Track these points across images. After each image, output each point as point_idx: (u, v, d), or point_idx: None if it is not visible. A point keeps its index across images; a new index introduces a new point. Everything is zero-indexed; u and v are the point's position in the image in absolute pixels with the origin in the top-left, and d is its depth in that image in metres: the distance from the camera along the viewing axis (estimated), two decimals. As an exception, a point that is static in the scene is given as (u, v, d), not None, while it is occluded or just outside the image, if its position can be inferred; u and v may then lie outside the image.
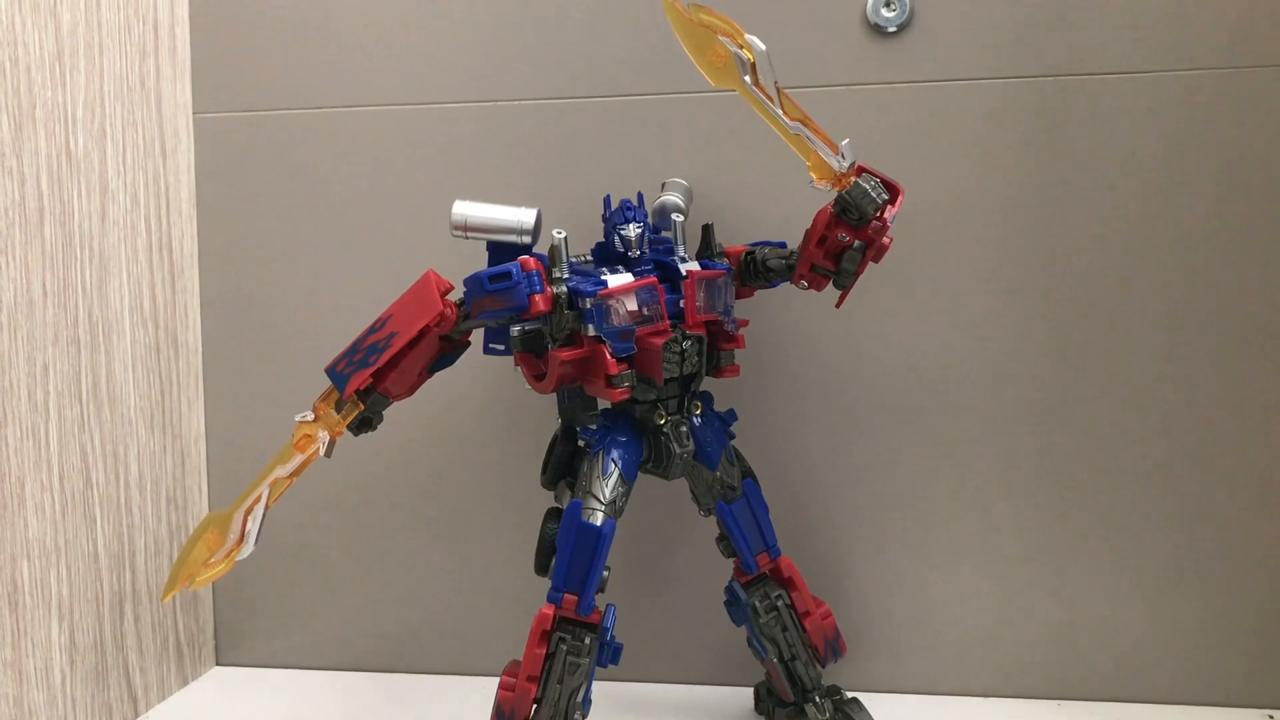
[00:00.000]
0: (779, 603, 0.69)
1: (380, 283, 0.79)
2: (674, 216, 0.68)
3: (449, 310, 0.62)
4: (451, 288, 0.63)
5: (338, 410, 0.64)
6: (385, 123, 0.84)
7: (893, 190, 0.63)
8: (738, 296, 0.69)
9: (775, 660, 0.70)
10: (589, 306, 0.62)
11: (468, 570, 0.86)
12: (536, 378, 0.66)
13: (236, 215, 0.86)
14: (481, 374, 0.81)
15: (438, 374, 0.66)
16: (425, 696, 0.82)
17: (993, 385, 0.78)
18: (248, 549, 0.63)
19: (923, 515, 0.80)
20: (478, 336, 0.67)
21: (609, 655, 0.64)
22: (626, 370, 0.62)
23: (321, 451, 0.63)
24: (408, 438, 0.84)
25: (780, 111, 0.62)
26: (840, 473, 0.81)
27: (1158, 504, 0.78)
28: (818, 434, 0.81)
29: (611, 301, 0.62)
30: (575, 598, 0.62)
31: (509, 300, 0.61)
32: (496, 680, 0.65)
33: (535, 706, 0.63)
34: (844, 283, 0.65)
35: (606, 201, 0.67)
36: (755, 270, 0.68)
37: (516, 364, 0.67)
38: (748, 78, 0.62)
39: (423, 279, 0.63)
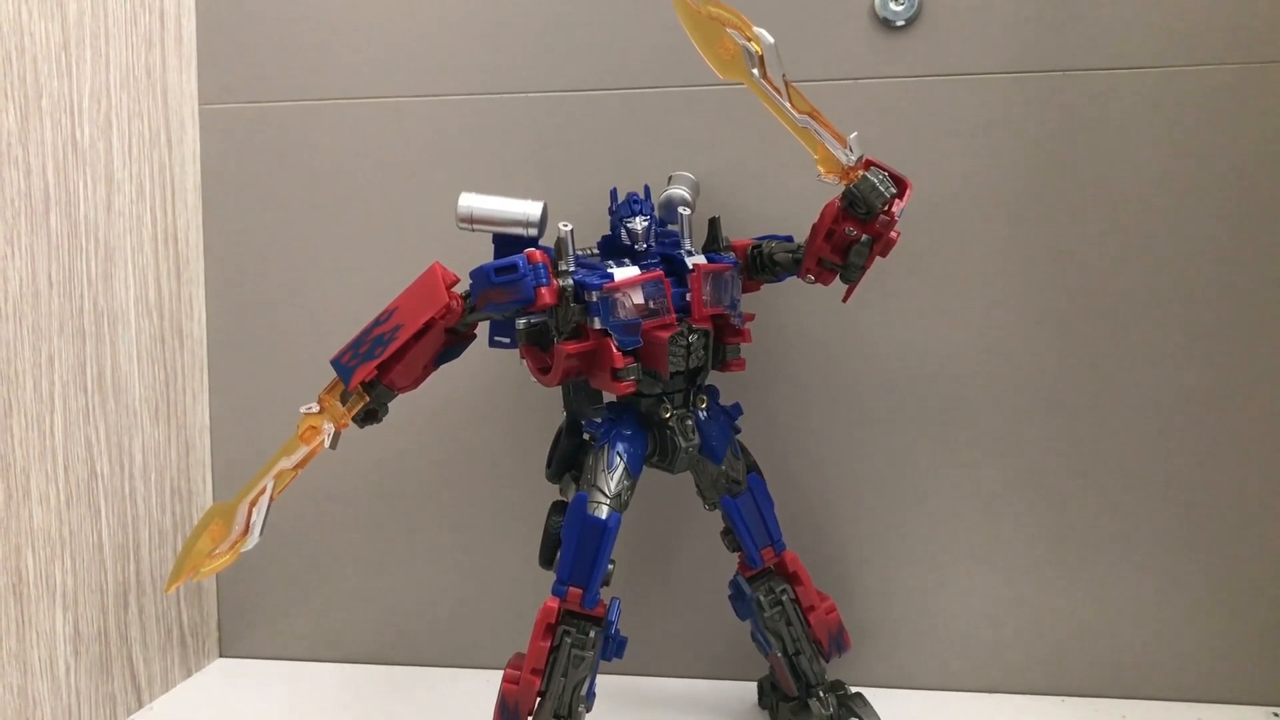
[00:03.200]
0: (783, 597, 0.69)
1: (386, 275, 0.79)
2: (680, 210, 0.68)
3: (455, 303, 0.62)
4: (457, 280, 0.63)
5: (343, 402, 0.64)
6: (391, 115, 0.83)
7: (900, 184, 0.63)
8: (744, 290, 0.69)
9: (779, 655, 0.70)
10: (595, 299, 0.62)
11: (472, 563, 0.86)
12: (542, 371, 0.66)
13: (241, 206, 0.86)
14: (487, 367, 0.81)
15: (443, 366, 0.66)
16: (429, 689, 0.82)
17: (999, 380, 0.78)
18: (252, 540, 0.63)
19: (928, 510, 0.80)
20: (483, 329, 0.67)
21: (613, 649, 0.64)
22: (632, 364, 0.62)
23: (326, 443, 0.63)
24: (413, 430, 0.84)
25: (788, 105, 0.62)
26: (845, 467, 0.80)
27: (1163, 501, 0.77)
28: (823, 428, 0.80)
29: (618, 295, 0.62)
30: (580, 591, 0.62)
31: (515, 293, 0.61)
32: (501, 673, 0.65)
33: (539, 699, 0.63)
34: (851, 277, 0.65)
35: (613, 194, 0.67)
36: (762, 264, 0.68)
37: (522, 357, 0.67)
38: (756, 71, 0.62)
39: (428, 271, 0.62)
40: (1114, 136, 0.76)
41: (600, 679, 0.66)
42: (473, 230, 0.65)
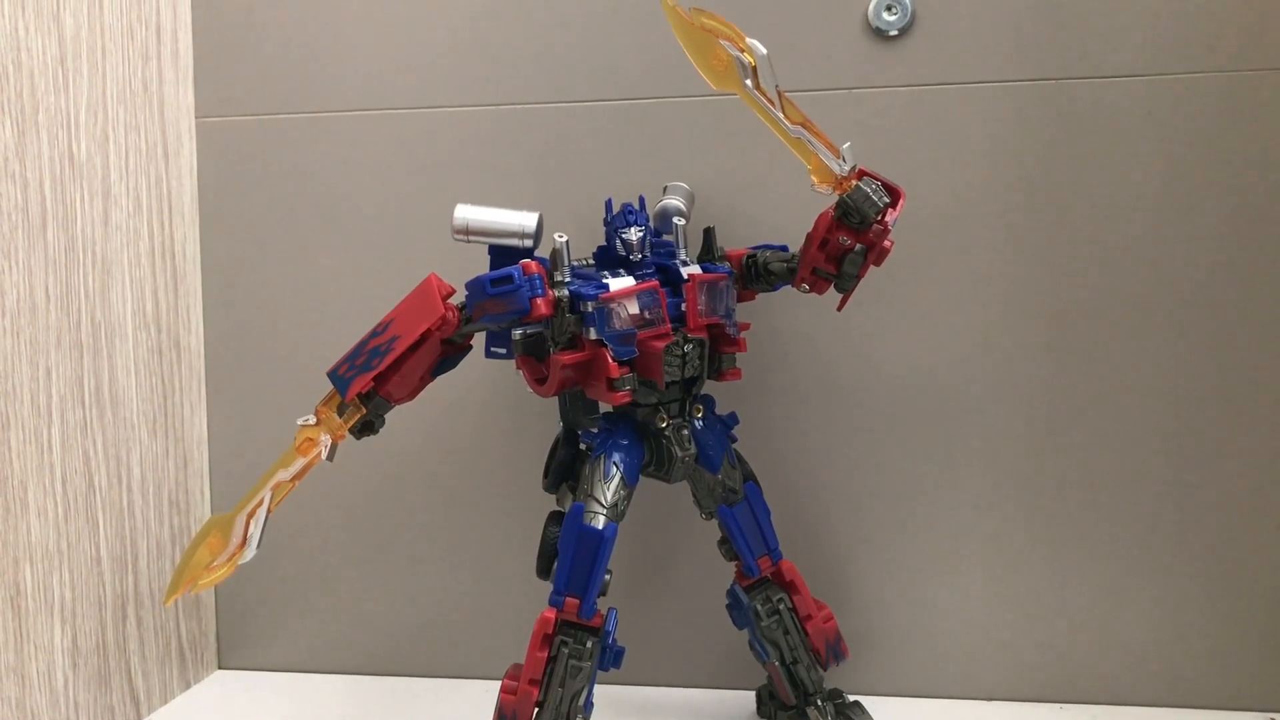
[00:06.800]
0: (781, 606, 0.69)
1: (382, 286, 0.79)
2: (675, 220, 0.68)
3: (450, 314, 0.62)
4: (453, 291, 0.63)
5: (340, 414, 0.64)
6: (387, 126, 0.84)
7: (894, 193, 0.63)
8: (739, 300, 0.69)
9: (777, 663, 0.70)
10: (590, 310, 0.62)
11: (469, 573, 0.86)
12: (538, 381, 0.66)
13: (239, 219, 0.86)
14: (483, 377, 0.81)
15: (439, 377, 0.66)
16: (427, 699, 0.82)
17: (995, 389, 0.78)
18: (250, 553, 0.63)
19: (925, 518, 0.80)
20: (479, 340, 0.67)
21: (611, 659, 0.64)
22: (628, 374, 0.62)
23: (323, 455, 0.63)
24: (409, 441, 0.84)
25: (781, 115, 0.62)
26: (842, 475, 0.81)
27: (1161, 507, 0.77)
28: (819, 437, 0.81)
29: (613, 305, 0.62)
30: (577, 601, 0.62)
31: (511, 304, 0.61)
32: (498, 684, 0.65)
33: (537, 710, 0.63)
34: (845, 286, 0.65)
35: (608, 205, 0.67)
36: (757, 273, 0.69)
37: (518, 367, 0.67)
38: (749, 81, 0.62)
39: (424, 282, 0.63)
40: (1107, 144, 0.76)
41: (598, 688, 0.66)
42: (468, 241, 0.65)
